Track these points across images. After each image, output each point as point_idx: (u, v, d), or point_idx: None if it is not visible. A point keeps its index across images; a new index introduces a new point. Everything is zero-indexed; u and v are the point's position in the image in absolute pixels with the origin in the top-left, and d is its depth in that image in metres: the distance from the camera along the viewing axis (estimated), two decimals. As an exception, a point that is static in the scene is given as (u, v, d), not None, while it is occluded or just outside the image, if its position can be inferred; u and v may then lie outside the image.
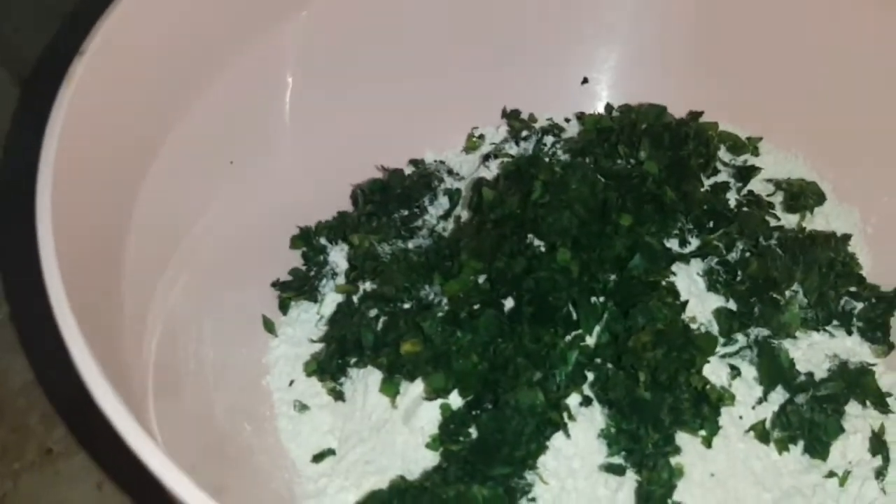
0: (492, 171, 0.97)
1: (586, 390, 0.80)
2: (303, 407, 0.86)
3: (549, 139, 1.03)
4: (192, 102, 0.87)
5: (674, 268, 0.87)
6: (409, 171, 1.04)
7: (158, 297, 0.82)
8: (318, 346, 0.89)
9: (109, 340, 0.70)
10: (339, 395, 0.86)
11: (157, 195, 0.83)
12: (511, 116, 1.08)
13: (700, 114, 1.05)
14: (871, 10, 0.93)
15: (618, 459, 0.78)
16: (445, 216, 0.98)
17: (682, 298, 0.84)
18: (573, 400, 0.80)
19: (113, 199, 0.78)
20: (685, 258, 0.88)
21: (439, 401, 0.79)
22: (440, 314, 0.81)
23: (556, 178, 0.88)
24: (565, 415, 0.78)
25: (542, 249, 0.86)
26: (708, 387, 0.80)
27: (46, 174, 0.66)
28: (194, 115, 0.87)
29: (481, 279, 0.85)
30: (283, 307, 0.94)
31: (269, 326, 0.93)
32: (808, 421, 0.82)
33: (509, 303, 0.83)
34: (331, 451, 0.83)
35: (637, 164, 0.95)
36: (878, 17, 0.94)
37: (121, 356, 0.72)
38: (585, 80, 1.10)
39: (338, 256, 0.96)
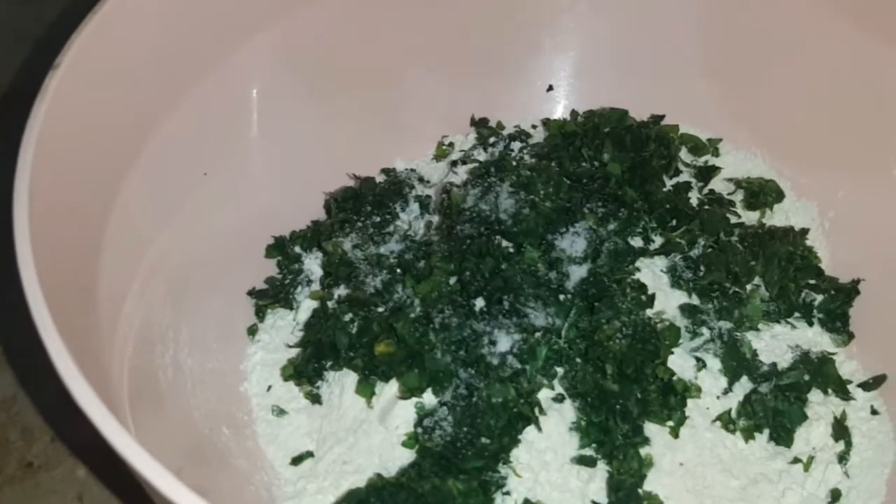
0: (460, 175, 0.99)
1: (556, 385, 0.82)
2: (281, 411, 0.88)
3: (516, 145, 1.06)
4: (166, 115, 0.88)
5: (639, 264, 0.90)
6: (380, 179, 1.07)
7: (135, 305, 0.83)
8: (295, 353, 0.91)
9: (89, 348, 0.71)
10: (315, 399, 0.87)
11: (132, 206, 0.84)
12: (479, 124, 1.11)
13: (662, 117, 1.08)
14: (826, 10, 0.96)
15: (589, 451, 0.80)
16: (417, 221, 1.00)
17: (649, 292, 0.87)
18: (544, 394, 0.82)
19: (89, 211, 0.79)
20: (649, 255, 0.91)
21: (414, 399, 0.81)
22: (413, 315, 0.83)
23: (521, 181, 0.90)
24: (536, 409, 0.80)
25: (511, 250, 0.88)
26: (674, 378, 0.82)
27: (22, 188, 0.68)
28: (168, 127, 0.89)
29: (452, 280, 0.87)
30: (260, 315, 0.96)
31: (251, 331, 0.94)
32: (772, 409, 0.84)
33: (480, 302, 0.85)
34: (309, 454, 0.85)
35: (601, 165, 0.97)
36: (832, 17, 0.97)
37: (100, 362, 0.73)
38: (551, 88, 1.13)
39: (312, 264, 0.98)
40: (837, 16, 0.97)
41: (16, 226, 0.64)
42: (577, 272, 0.86)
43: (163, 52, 0.84)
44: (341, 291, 0.93)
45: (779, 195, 1.02)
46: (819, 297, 0.95)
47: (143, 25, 0.82)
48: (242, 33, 0.92)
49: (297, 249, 1.00)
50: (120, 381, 0.77)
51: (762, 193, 1.02)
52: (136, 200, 0.85)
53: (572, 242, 0.88)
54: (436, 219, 0.97)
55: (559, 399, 0.82)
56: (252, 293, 0.97)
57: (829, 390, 0.88)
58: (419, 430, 0.80)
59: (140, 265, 0.86)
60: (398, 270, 0.90)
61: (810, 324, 0.93)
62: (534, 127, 1.11)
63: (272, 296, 0.96)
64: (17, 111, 0.73)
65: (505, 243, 0.88)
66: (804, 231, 0.97)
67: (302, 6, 0.96)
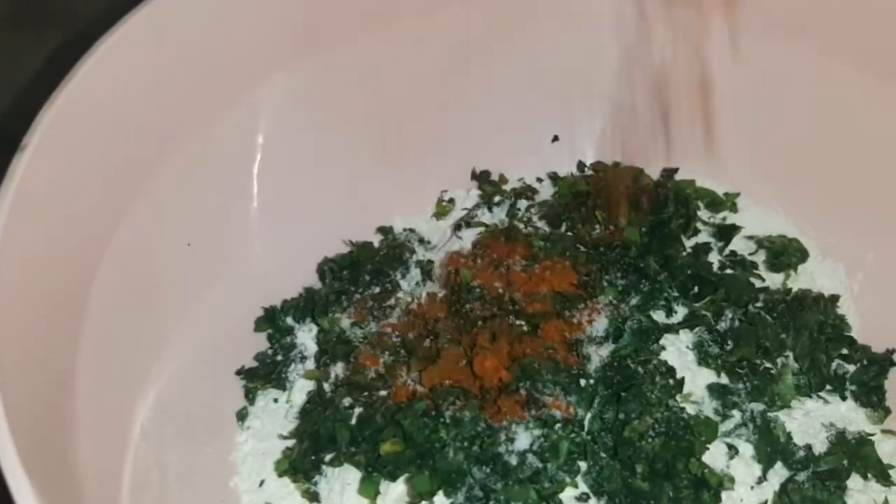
0: (464, 241, 0.92)
1: (580, 482, 0.75)
2: (275, 510, 0.80)
3: (522, 203, 0.99)
4: (144, 185, 0.81)
5: (664, 341, 0.83)
6: (377, 239, 1.00)
7: (115, 401, 0.76)
8: (289, 442, 0.83)
9: (60, 464, 0.64)
10: (313, 497, 0.80)
11: (109, 288, 0.77)
12: (481, 179, 1.04)
13: (675, 170, 1.02)
14: (850, 67, 0.91)
15: (617, 556, 0.74)
16: (418, 288, 0.93)
17: (679, 376, 0.80)
18: (568, 494, 0.75)
19: (62, 300, 0.72)
20: (673, 329, 0.84)
21: (424, 503, 0.74)
22: (421, 408, 0.76)
23: (535, 252, 0.83)
24: (560, 512, 0.73)
25: (525, 328, 0.81)
26: (707, 471, 0.75)
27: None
28: (148, 197, 0.82)
29: (462, 363, 0.80)
30: (250, 397, 0.88)
31: (241, 416, 0.87)
32: (810, 499, 0.78)
33: (494, 390, 0.78)
34: (307, 560, 0.78)
35: (616, 229, 0.91)
36: (855, 70, 0.92)
37: (76, 478, 0.66)
38: (556, 138, 1.07)
39: (306, 338, 0.91)
40: (861, 69, 0.91)
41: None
42: (599, 354, 0.79)
43: (139, 123, 0.77)
44: (338, 371, 0.85)
45: (803, 255, 0.96)
46: (851, 368, 0.88)
47: (112, 102, 0.75)
48: (221, 99, 0.85)
49: (290, 321, 0.92)
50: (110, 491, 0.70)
51: (785, 253, 0.96)
52: (114, 279, 0.78)
53: (592, 321, 0.81)
54: (437, 288, 0.90)
55: (584, 499, 0.75)
56: (241, 373, 0.89)
57: (869, 475, 0.81)
58: (430, 537, 0.73)
59: (121, 355, 0.78)
60: (401, 352, 0.83)
61: (843, 398, 0.87)
62: (539, 181, 1.05)
63: (263, 376, 0.88)
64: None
65: (519, 322, 0.81)
66: (835, 297, 0.91)
67: (291, 63, 0.89)
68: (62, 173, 0.69)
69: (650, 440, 0.72)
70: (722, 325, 0.85)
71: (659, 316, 0.86)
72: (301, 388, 0.87)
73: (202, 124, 0.85)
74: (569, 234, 0.90)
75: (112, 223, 0.78)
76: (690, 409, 0.79)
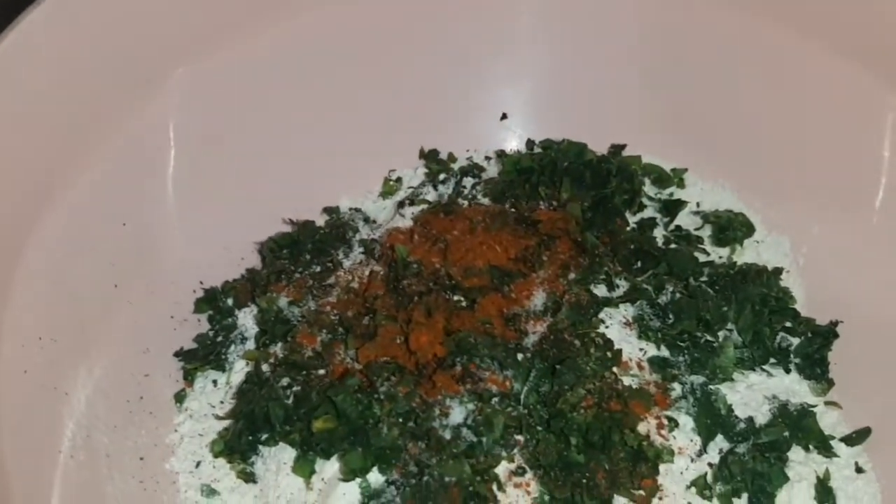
0: (407, 219, 0.91)
1: (517, 457, 0.74)
2: (211, 491, 0.79)
3: (468, 181, 0.98)
4: (78, 166, 0.81)
5: (603, 315, 0.82)
6: (322, 220, 0.98)
7: (44, 387, 0.75)
8: (226, 423, 0.82)
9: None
10: (249, 477, 0.79)
11: (41, 260, 0.76)
12: (429, 157, 1.03)
13: (623, 147, 1.01)
14: (796, 41, 0.90)
15: (554, 530, 0.73)
16: (361, 268, 0.91)
17: (616, 348, 0.79)
18: (503, 468, 0.74)
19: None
20: (614, 304, 0.83)
21: (358, 479, 0.73)
22: (354, 384, 0.74)
23: (473, 227, 0.82)
24: (495, 486, 0.72)
25: (463, 304, 0.80)
26: (645, 444, 0.75)
27: None
28: (82, 178, 0.81)
29: (399, 340, 0.79)
30: (189, 379, 0.87)
31: (179, 398, 0.85)
32: (750, 471, 0.78)
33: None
34: (243, 541, 0.76)
35: (560, 205, 0.90)
36: (804, 48, 0.91)
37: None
38: (504, 116, 1.06)
39: (247, 319, 0.89)
40: (806, 42, 0.91)
41: None
42: (537, 328, 0.78)
43: (66, 104, 0.76)
44: (278, 351, 0.84)
45: (749, 229, 0.96)
46: (796, 341, 0.88)
47: (41, 78, 0.73)
48: (155, 74, 0.83)
49: (230, 303, 0.91)
50: (30, 470, 0.69)
51: (731, 227, 0.95)
52: (46, 256, 0.77)
53: (531, 295, 0.80)
54: (380, 268, 0.89)
55: (520, 472, 0.74)
56: (179, 354, 0.88)
57: (811, 447, 0.81)
58: (365, 513, 0.72)
59: (47, 331, 0.77)
60: (339, 330, 0.81)
61: (787, 370, 0.86)
62: (487, 159, 1.04)
63: (202, 357, 0.87)
64: None
65: (456, 298, 0.79)
66: (778, 270, 0.90)
67: (223, 42, 0.87)
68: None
69: (582, 411, 0.71)
70: (663, 299, 0.85)
71: (601, 290, 0.85)
72: (240, 370, 0.86)
73: (129, 108, 0.84)
74: (512, 210, 0.89)
75: (36, 210, 0.77)
76: (629, 382, 0.78)
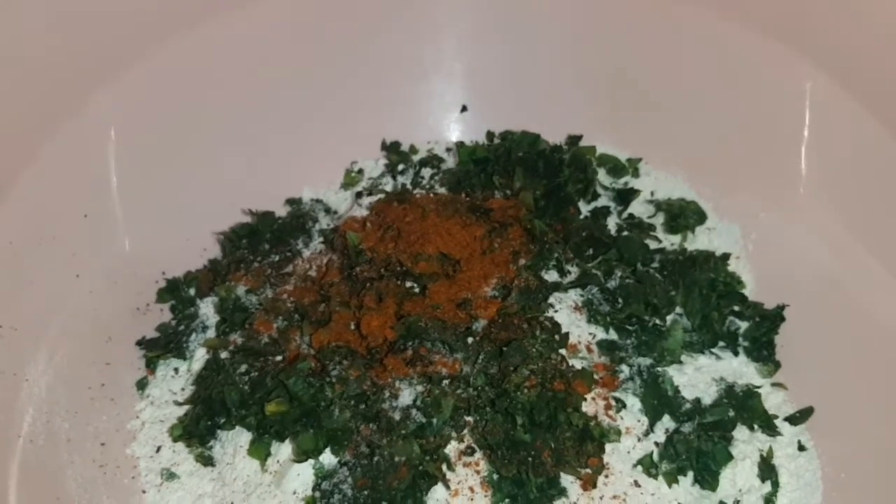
0: (364, 209, 0.93)
1: (466, 437, 0.76)
2: (171, 475, 0.81)
3: (426, 171, 1.00)
4: (34, 154, 0.82)
5: (553, 300, 0.84)
6: (284, 211, 1.00)
7: (4, 373, 0.76)
8: (186, 409, 0.84)
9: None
10: (207, 461, 0.80)
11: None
12: (390, 149, 1.05)
13: (579, 137, 1.03)
14: (738, 28, 0.92)
15: (502, 508, 0.75)
16: (320, 257, 0.93)
17: (564, 331, 0.82)
18: (454, 447, 0.76)
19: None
20: (563, 288, 0.85)
21: (311, 461, 0.75)
22: (305, 367, 0.76)
23: (424, 215, 0.84)
24: (444, 465, 0.74)
25: (416, 289, 0.82)
26: (592, 423, 0.77)
27: None
28: (40, 166, 0.82)
29: (352, 326, 0.81)
30: (151, 366, 0.88)
31: (141, 385, 0.87)
32: (695, 450, 0.80)
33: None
34: (201, 523, 0.78)
35: (513, 194, 0.92)
36: (747, 36, 0.93)
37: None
38: (464, 109, 1.08)
39: (209, 308, 0.91)
40: (748, 29, 0.93)
41: None
42: (487, 313, 0.80)
43: (24, 88, 0.77)
44: (237, 339, 0.86)
45: (700, 217, 0.98)
46: (744, 325, 0.90)
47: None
48: (112, 64, 0.85)
49: (192, 292, 0.93)
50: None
51: (683, 215, 0.98)
52: (4, 246, 0.79)
53: (481, 281, 0.82)
54: (337, 256, 0.91)
55: (469, 452, 0.76)
56: (141, 343, 0.90)
57: (755, 426, 0.83)
58: (317, 493, 0.74)
59: (8, 318, 0.79)
60: (296, 316, 0.83)
61: (735, 353, 0.89)
62: (448, 150, 1.06)
63: (163, 345, 0.89)
64: None
65: (408, 284, 0.82)
66: (725, 256, 0.93)
67: (187, 28, 0.89)
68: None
69: (526, 391, 0.73)
70: (612, 284, 0.87)
71: (552, 276, 0.87)
72: (201, 358, 0.87)
73: (89, 98, 0.85)
74: (466, 199, 0.91)
75: (3, 187, 0.78)
76: (578, 364, 0.80)
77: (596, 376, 0.80)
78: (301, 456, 0.74)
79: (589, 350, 0.83)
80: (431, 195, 0.92)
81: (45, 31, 0.80)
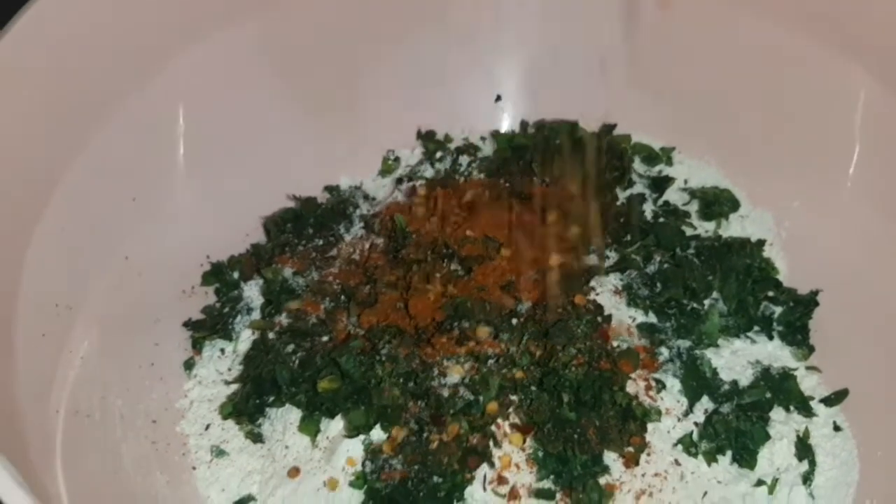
0: (404, 195, 0.95)
1: (512, 415, 0.78)
2: (220, 452, 0.83)
3: (464, 159, 1.02)
4: (88, 141, 0.84)
5: (594, 283, 0.86)
6: (323, 198, 1.02)
7: (62, 350, 0.78)
8: (234, 388, 0.86)
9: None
10: (257, 438, 0.82)
11: (53, 237, 0.80)
12: (426, 138, 1.07)
13: (613, 126, 1.05)
14: (771, 24, 0.94)
15: (547, 483, 0.77)
16: (361, 242, 0.95)
17: (606, 313, 0.83)
18: (499, 426, 0.78)
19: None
20: (604, 273, 0.87)
21: (361, 437, 0.77)
22: (356, 346, 0.78)
23: (471, 199, 0.86)
24: (491, 442, 0.76)
25: (460, 272, 0.84)
26: (634, 403, 0.79)
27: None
28: (92, 153, 0.84)
29: (399, 306, 0.83)
30: (197, 347, 0.90)
31: (188, 365, 0.89)
32: (734, 430, 0.81)
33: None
34: (251, 498, 0.80)
35: (552, 181, 0.94)
36: (782, 28, 0.95)
37: (16, 424, 0.68)
38: (499, 98, 1.09)
39: (252, 291, 0.93)
40: (787, 26, 0.94)
41: None
42: (530, 295, 0.82)
43: (76, 79, 0.79)
44: (283, 321, 0.88)
45: (734, 204, 1.00)
46: (778, 310, 0.92)
47: (48, 64, 0.77)
48: (165, 52, 0.87)
49: (236, 276, 0.95)
50: (51, 436, 0.72)
51: (717, 203, 0.99)
52: (58, 229, 0.81)
53: (524, 264, 0.84)
54: (381, 240, 0.92)
55: (514, 428, 0.78)
56: (188, 324, 0.92)
57: (791, 407, 0.85)
58: (367, 469, 0.76)
59: (63, 298, 0.81)
60: (342, 298, 0.85)
61: (770, 337, 0.90)
62: (483, 139, 1.07)
63: (209, 327, 0.91)
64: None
65: (454, 267, 0.83)
66: (761, 242, 0.94)
67: (232, 22, 0.91)
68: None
69: (573, 369, 0.75)
70: (651, 269, 0.89)
71: (591, 261, 0.89)
72: (246, 339, 0.89)
73: (139, 87, 0.87)
74: (506, 185, 0.93)
75: (48, 188, 0.80)
76: (619, 346, 0.82)
77: (637, 358, 0.81)
78: (352, 432, 0.76)
79: (629, 333, 0.85)
80: (473, 181, 0.93)
81: (109, 18, 0.81)
